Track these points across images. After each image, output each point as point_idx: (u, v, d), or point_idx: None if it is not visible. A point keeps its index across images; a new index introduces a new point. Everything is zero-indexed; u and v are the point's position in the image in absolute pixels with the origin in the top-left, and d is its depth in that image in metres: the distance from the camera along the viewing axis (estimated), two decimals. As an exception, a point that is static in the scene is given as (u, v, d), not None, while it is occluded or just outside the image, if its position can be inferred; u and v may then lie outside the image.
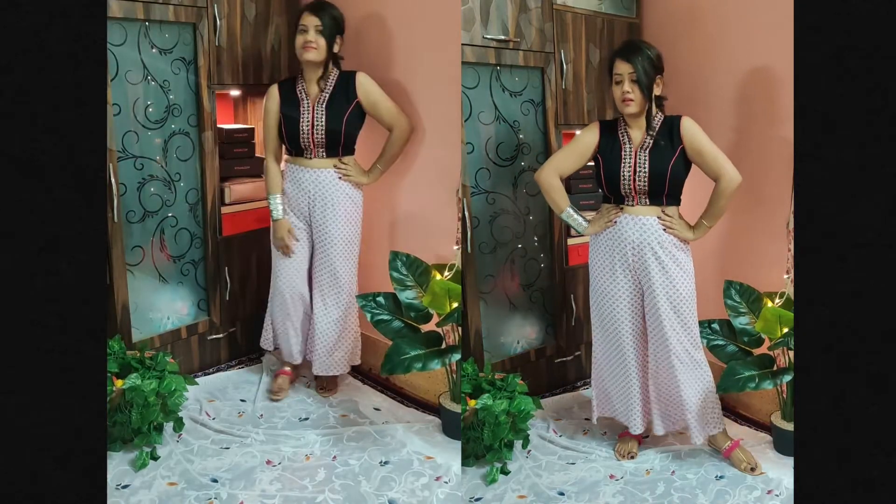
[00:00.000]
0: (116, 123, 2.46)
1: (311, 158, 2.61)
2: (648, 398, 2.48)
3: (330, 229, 2.64)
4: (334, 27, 2.54)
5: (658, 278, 2.35)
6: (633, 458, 2.47)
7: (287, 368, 2.81)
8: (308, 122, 2.57)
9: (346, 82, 2.59)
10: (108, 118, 2.40)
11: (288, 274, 2.71)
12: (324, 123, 2.56)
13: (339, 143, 2.60)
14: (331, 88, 2.58)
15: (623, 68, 2.28)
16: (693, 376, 2.39)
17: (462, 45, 2.50)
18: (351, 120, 2.59)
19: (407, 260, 2.51)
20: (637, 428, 2.48)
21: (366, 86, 2.59)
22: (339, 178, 2.62)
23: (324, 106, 2.56)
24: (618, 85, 2.30)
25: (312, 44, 2.51)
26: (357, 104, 2.59)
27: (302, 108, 2.58)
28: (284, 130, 2.60)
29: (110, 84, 2.42)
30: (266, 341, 2.86)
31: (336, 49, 2.57)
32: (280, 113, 2.61)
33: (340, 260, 2.67)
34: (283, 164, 2.72)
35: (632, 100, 2.28)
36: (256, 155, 3.01)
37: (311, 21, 2.51)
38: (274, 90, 2.63)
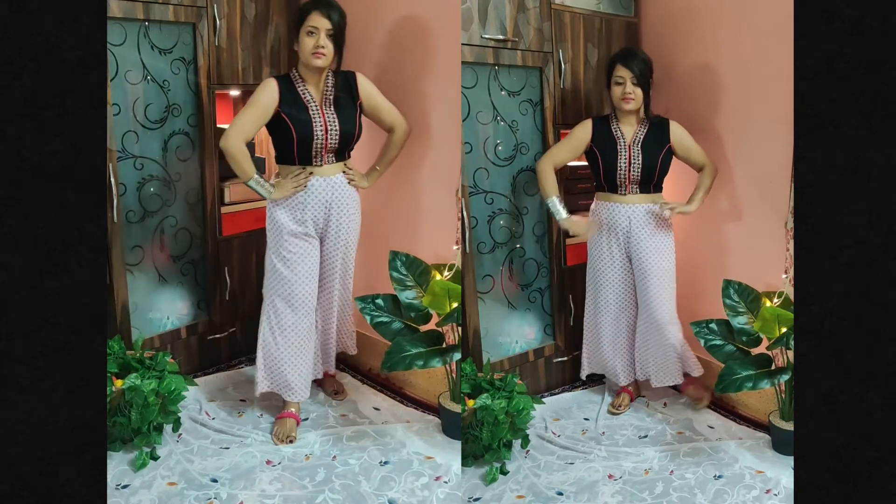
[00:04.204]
0: (116, 123, 2.46)
1: (321, 165, 2.42)
2: (633, 354, 2.88)
3: (346, 237, 2.52)
4: (343, 29, 2.36)
5: (647, 254, 2.71)
6: (621, 410, 2.83)
7: (293, 410, 2.52)
8: (321, 125, 2.37)
9: (347, 83, 2.44)
10: (107, 118, 2.41)
11: (305, 304, 2.47)
12: (337, 127, 2.39)
13: (348, 147, 2.46)
14: (332, 89, 2.42)
15: (625, 72, 2.61)
16: (674, 329, 2.75)
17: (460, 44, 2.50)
18: (358, 122, 2.45)
19: (406, 260, 2.51)
20: (623, 380, 2.88)
21: (367, 88, 2.47)
22: (349, 182, 2.48)
23: (332, 108, 2.40)
24: (619, 86, 2.63)
25: (323, 50, 2.32)
26: (360, 106, 2.46)
27: (311, 112, 2.38)
28: (295, 134, 2.37)
29: (110, 84, 2.42)
30: (269, 384, 2.54)
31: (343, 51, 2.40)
32: (280, 113, 2.36)
33: (350, 265, 2.60)
34: (272, 177, 2.50)
35: (632, 99, 2.62)
36: (256, 155, 3.01)
37: (322, 24, 2.31)
38: (273, 85, 2.37)
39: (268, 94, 2.36)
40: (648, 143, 2.67)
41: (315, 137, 2.38)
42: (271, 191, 2.41)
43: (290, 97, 2.37)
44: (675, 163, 2.73)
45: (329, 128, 2.39)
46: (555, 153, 2.71)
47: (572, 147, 2.71)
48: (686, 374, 2.86)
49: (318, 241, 2.51)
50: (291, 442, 2.43)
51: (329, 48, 2.33)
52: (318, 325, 2.63)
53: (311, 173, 2.42)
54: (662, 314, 2.73)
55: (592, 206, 2.80)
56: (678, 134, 2.68)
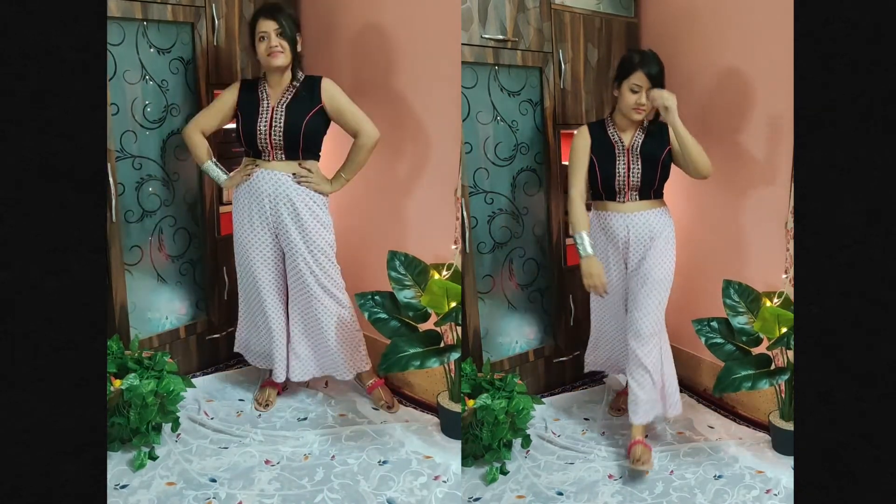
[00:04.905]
0: (114, 123, 2.46)
1: (269, 161, 2.51)
2: None
3: (303, 236, 2.54)
4: (293, 27, 2.46)
5: (644, 263, 2.52)
6: (623, 413, 2.73)
7: (271, 378, 2.72)
8: (266, 122, 2.47)
9: (311, 86, 2.51)
10: (106, 118, 2.40)
11: (249, 278, 2.62)
12: (282, 125, 2.47)
13: (298, 146, 2.50)
14: (293, 91, 2.49)
15: (644, 81, 2.42)
16: (653, 343, 2.54)
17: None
18: (312, 123, 2.49)
19: (405, 259, 2.51)
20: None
21: (330, 91, 2.51)
22: (297, 182, 2.51)
23: (284, 107, 2.48)
24: (634, 94, 2.43)
25: (277, 48, 2.42)
26: (321, 109, 2.50)
27: (261, 109, 2.48)
28: (241, 130, 2.51)
29: (108, 84, 2.42)
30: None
31: (298, 48, 2.49)
32: (236, 110, 2.52)
33: (325, 272, 2.57)
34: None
35: (645, 110, 2.44)
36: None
37: (269, 26, 2.42)
38: (235, 85, 2.54)
39: (229, 93, 2.54)
40: (647, 147, 2.51)
41: (258, 132, 2.48)
42: (223, 178, 2.58)
43: (247, 96, 2.52)
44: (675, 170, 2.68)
45: (274, 125, 2.48)
46: (577, 181, 2.52)
47: (584, 162, 2.53)
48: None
49: (271, 234, 2.57)
50: (267, 407, 2.65)
51: (284, 46, 2.44)
52: (294, 322, 2.66)
53: (256, 166, 2.53)
54: (646, 325, 2.51)
55: (591, 215, 2.61)
56: (675, 139, 2.47)
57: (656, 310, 2.52)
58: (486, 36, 2.59)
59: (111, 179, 2.42)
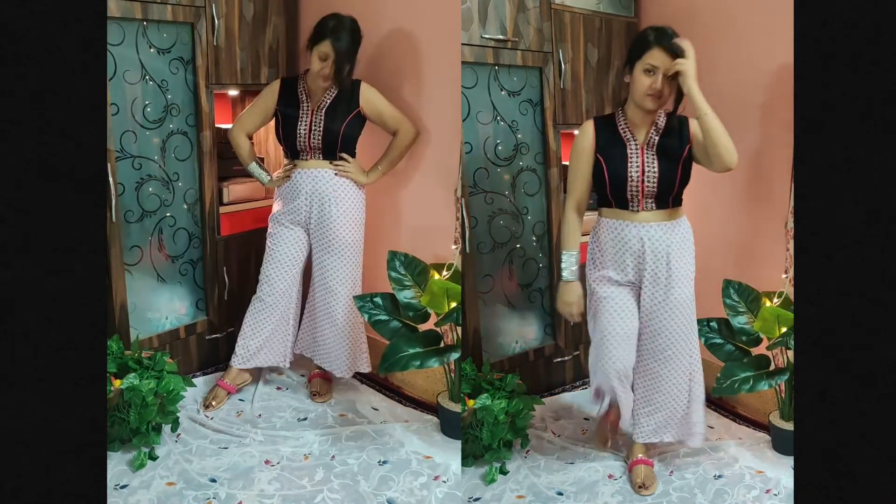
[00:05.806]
0: (114, 123, 2.46)
1: (307, 160, 2.61)
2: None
3: (334, 229, 2.61)
4: (354, 51, 2.51)
5: (666, 283, 2.22)
6: (611, 440, 2.54)
7: (226, 381, 2.69)
8: (306, 125, 2.57)
9: (350, 91, 2.57)
10: (106, 118, 2.40)
11: (270, 284, 2.67)
12: (321, 128, 2.56)
13: (336, 148, 2.59)
14: (333, 94, 2.57)
15: (661, 60, 2.04)
16: (698, 378, 2.35)
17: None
18: (350, 126, 2.59)
19: (405, 259, 2.51)
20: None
21: (368, 96, 2.59)
22: (336, 174, 2.60)
23: (323, 112, 2.56)
24: (648, 75, 2.07)
25: (329, 73, 2.49)
26: (358, 113, 2.59)
27: (301, 111, 2.58)
28: (281, 130, 2.61)
29: (108, 84, 2.41)
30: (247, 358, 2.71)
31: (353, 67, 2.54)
32: (276, 110, 2.62)
33: (343, 262, 2.63)
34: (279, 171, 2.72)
35: (660, 96, 2.09)
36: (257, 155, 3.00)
37: (331, 51, 2.46)
38: (276, 85, 2.64)
39: (269, 93, 2.65)
40: (665, 146, 2.16)
41: (298, 135, 2.58)
42: (265, 178, 2.72)
43: (289, 96, 2.61)
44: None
45: (313, 128, 2.57)
46: (576, 189, 2.25)
47: (586, 169, 2.22)
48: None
49: (305, 232, 2.67)
50: (207, 407, 2.60)
51: (340, 68, 2.49)
52: (309, 314, 2.75)
53: (295, 165, 2.63)
54: (671, 349, 2.27)
55: (595, 225, 2.33)
56: (698, 132, 2.14)
57: (681, 331, 2.26)
58: (486, 36, 2.59)
59: (111, 179, 2.42)
